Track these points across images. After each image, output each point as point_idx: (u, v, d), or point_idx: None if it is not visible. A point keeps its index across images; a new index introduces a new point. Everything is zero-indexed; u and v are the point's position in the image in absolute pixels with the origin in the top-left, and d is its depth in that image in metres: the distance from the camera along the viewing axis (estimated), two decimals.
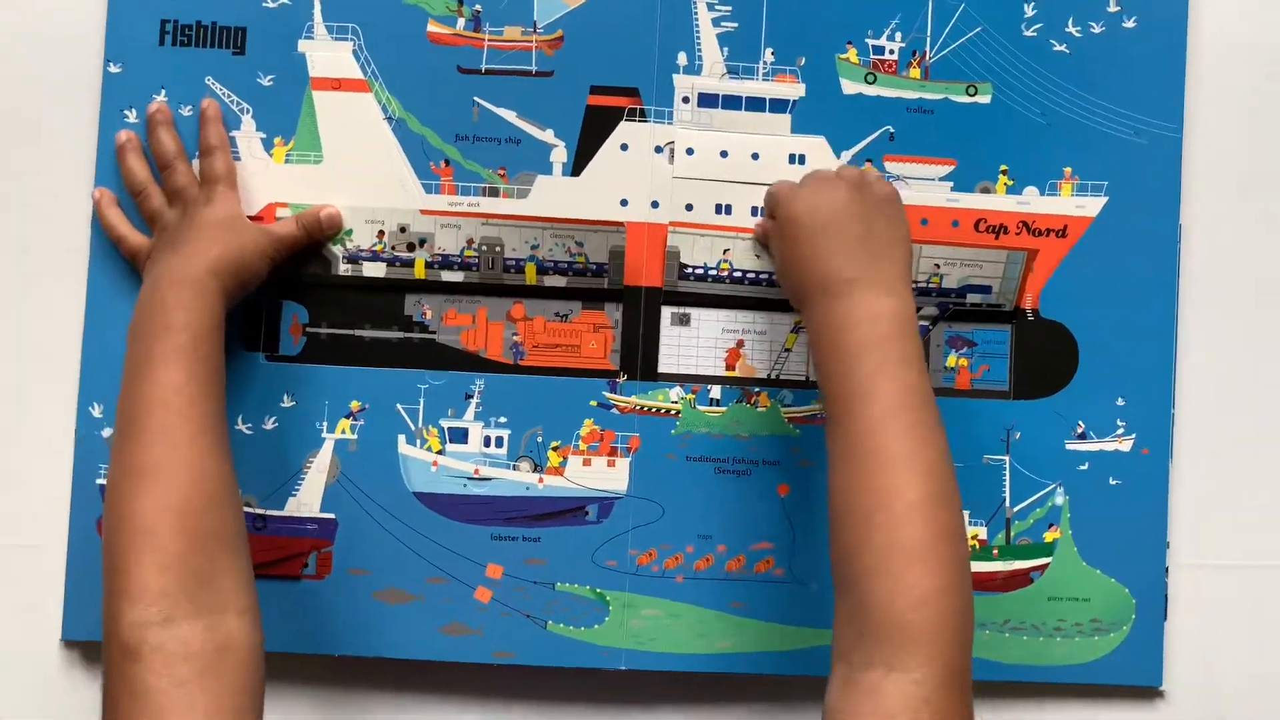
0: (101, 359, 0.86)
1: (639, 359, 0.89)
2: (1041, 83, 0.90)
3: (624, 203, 0.89)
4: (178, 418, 0.74)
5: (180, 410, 0.74)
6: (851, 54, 0.90)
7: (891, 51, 0.90)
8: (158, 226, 0.85)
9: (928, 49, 0.90)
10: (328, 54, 0.88)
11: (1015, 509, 0.90)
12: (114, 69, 0.87)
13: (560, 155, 0.89)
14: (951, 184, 0.90)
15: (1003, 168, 0.90)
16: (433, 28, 0.89)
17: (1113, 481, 0.90)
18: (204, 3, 0.88)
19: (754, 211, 0.89)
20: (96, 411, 0.86)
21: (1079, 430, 0.90)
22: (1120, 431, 0.90)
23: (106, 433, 0.86)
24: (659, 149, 0.89)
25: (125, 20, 0.87)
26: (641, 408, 0.89)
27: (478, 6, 0.89)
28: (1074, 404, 0.90)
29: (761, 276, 0.89)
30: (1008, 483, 0.90)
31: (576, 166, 0.89)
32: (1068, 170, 0.90)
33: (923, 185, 0.90)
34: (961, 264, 0.90)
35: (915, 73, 0.90)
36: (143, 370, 0.76)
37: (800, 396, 0.89)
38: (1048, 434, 0.90)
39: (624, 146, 0.89)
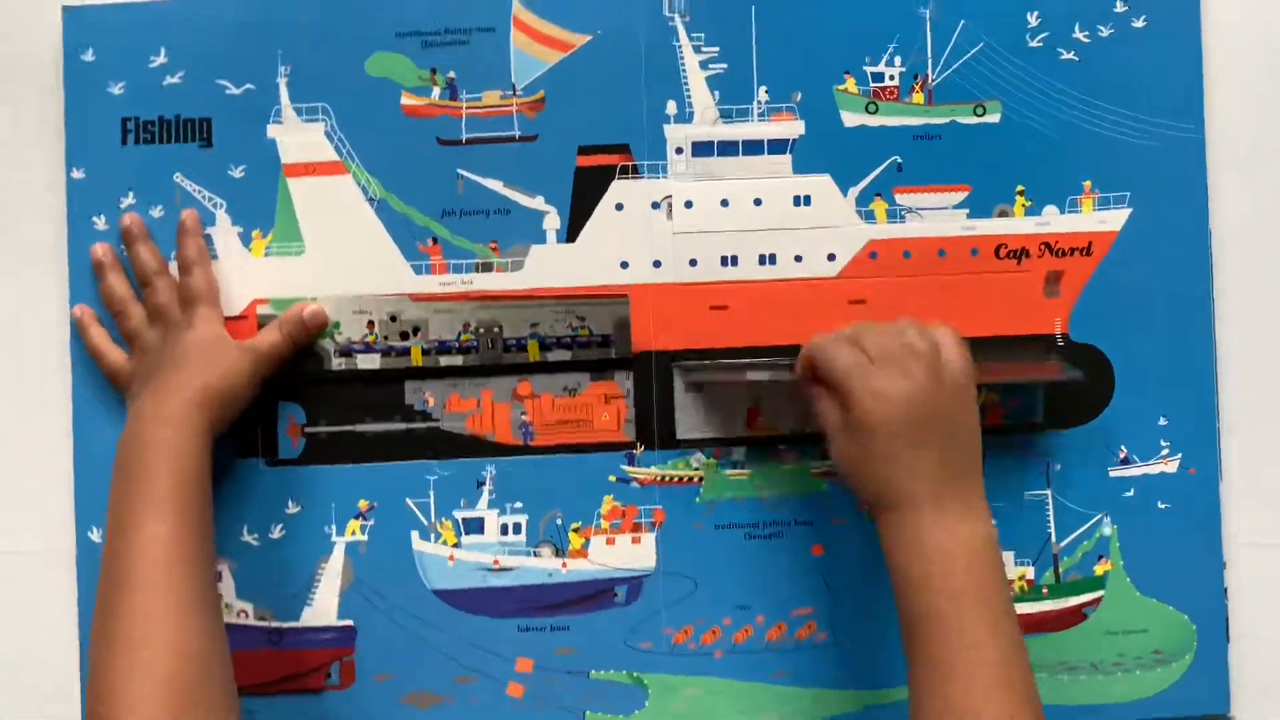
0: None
1: (655, 427, 0.85)
2: (1052, 95, 0.85)
3: (624, 265, 0.84)
4: (163, 577, 0.71)
5: (165, 568, 0.71)
6: (850, 84, 0.85)
7: (892, 77, 0.85)
8: (137, 347, 0.81)
9: (930, 71, 0.85)
10: (299, 137, 0.84)
11: (1062, 544, 0.86)
12: (77, 175, 0.83)
13: (553, 222, 0.84)
14: (967, 211, 0.85)
15: (1019, 188, 0.86)
16: (407, 100, 0.84)
17: (1161, 505, 0.86)
18: (165, 96, 0.83)
19: (761, 260, 0.85)
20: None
21: (1121, 455, 0.86)
22: (1164, 452, 0.86)
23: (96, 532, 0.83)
24: (656, 205, 0.85)
25: (84, 123, 0.83)
26: (662, 478, 0.85)
27: (451, 73, 0.84)
28: (1114, 428, 0.86)
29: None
30: (1052, 518, 0.86)
31: (571, 232, 0.84)
32: (1087, 184, 0.86)
33: (937, 215, 0.85)
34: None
35: (919, 97, 0.85)
36: (126, 520, 0.73)
37: None
38: (1089, 463, 0.86)
39: (619, 206, 0.84)
